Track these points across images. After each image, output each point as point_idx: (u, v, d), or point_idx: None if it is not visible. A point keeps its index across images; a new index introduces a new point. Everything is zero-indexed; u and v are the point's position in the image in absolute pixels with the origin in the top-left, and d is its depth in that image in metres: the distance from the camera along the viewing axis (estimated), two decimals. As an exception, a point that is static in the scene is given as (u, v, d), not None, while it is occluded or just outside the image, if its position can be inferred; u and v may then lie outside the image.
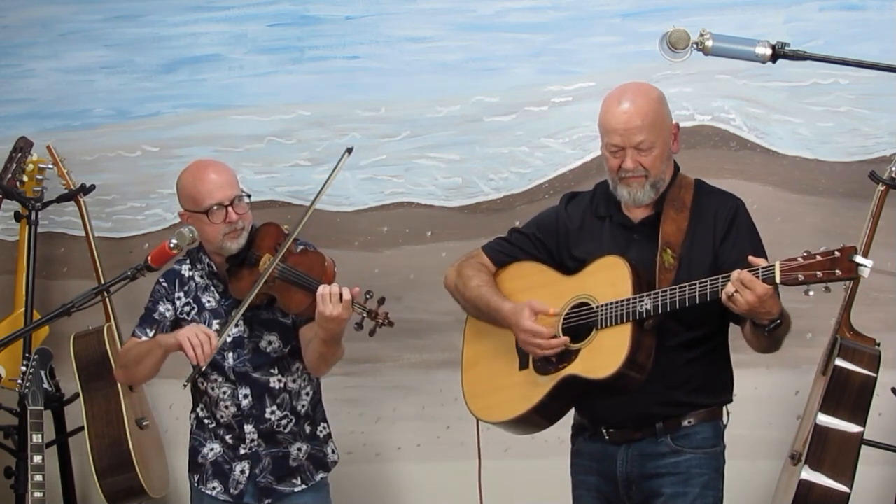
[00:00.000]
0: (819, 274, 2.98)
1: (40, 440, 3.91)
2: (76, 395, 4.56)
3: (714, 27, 3.28)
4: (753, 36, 3.29)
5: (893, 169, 4.08)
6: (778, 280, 3.02)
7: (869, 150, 4.38)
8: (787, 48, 3.24)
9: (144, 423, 4.48)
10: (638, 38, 4.48)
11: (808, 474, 3.83)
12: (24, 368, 3.98)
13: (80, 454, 4.59)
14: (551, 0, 4.62)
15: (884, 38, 4.31)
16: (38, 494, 3.85)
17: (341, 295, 3.52)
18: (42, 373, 3.98)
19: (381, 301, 3.61)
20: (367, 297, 3.60)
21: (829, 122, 4.41)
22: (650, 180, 3.32)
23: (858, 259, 2.96)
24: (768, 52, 3.24)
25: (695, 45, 3.24)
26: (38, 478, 3.87)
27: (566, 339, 3.32)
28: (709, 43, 3.24)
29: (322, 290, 3.54)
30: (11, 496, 4.51)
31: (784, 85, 4.41)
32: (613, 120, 3.32)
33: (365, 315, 3.58)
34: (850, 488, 3.82)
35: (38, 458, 3.88)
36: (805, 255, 3.01)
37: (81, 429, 4.54)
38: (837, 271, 2.97)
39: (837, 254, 2.97)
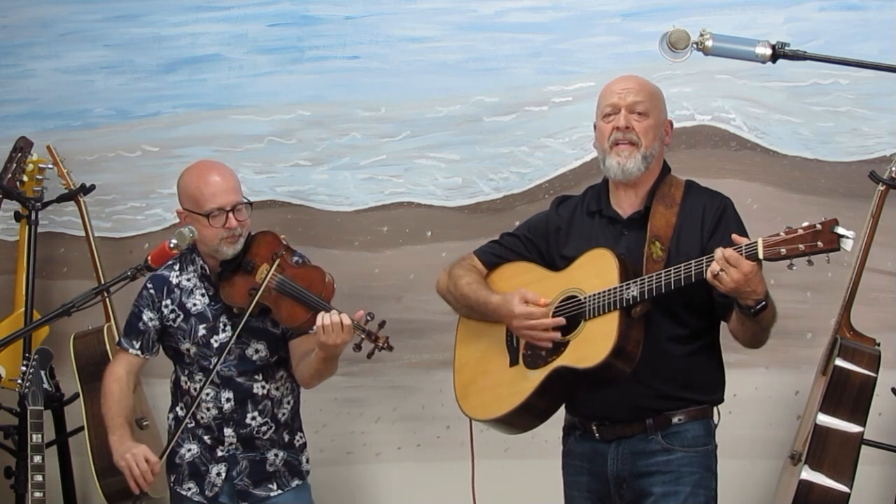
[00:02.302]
0: (801, 247, 2.98)
1: (40, 440, 3.90)
2: (76, 395, 4.56)
3: (714, 27, 3.28)
4: (753, 36, 3.29)
5: (893, 169, 4.09)
6: (761, 255, 3.03)
7: (869, 150, 4.38)
8: (787, 48, 3.24)
9: (144, 423, 4.48)
10: (638, 38, 4.48)
11: (808, 474, 3.83)
12: (24, 368, 3.98)
13: (80, 454, 4.59)
14: (551, 0, 4.62)
15: (884, 38, 4.31)
16: (38, 494, 3.85)
17: (342, 322, 3.53)
18: (42, 373, 3.98)
19: (382, 324, 3.62)
20: (368, 318, 3.60)
21: (829, 122, 4.41)
22: (640, 151, 3.35)
23: (840, 230, 2.96)
24: (768, 52, 3.24)
25: (695, 45, 3.24)
26: (38, 478, 3.87)
27: (560, 319, 3.32)
28: (709, 43, 3.24)
29: (322, 319, 3.54)
30: (11, 496, 4.51)
31: (784, 85, 4.41)
32: (612, 86, 3.43)
33: (364, 337, 3.59)
34: (850, 488, 3.82)
35: (38, 458, 3.88)
36: (787, 229, 3.02)
37: (81, 429, 4.54)
38: (819, 243, 2.97)
39: (819, 226, 2.98)
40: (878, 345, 4.00)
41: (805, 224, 3.00)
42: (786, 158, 4.44)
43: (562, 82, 4.60)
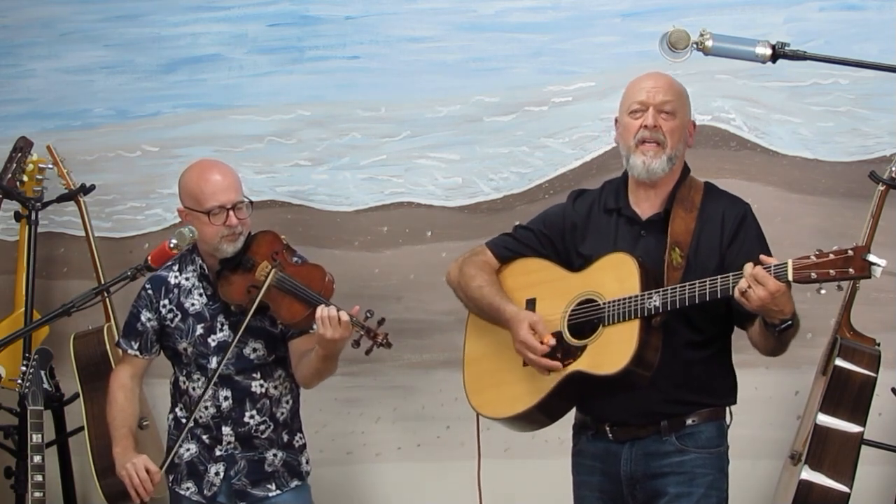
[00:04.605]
0: (832, 272, 2.97)
1: (40, 440, 3.91)
2: (76, 395, 4.56)
3: (714, 27, 3.28)
4: (753, 36, 3.29)
5: (893, 169, 4.09)
6: (790, 278, 3.01)
7: (869, 150, 4.37)
8: (787, 48, 3.24)
9: (144, 423, 4.48)
10: (638, 38, 4.48)
11: (808, 474, 3.83)
12: (24, 368, 3.99)
13: (80, 454, 4.59)
14: (551, 0, 4.62)
15: (884, 38, 4.31)
16: (38, 494, 3.85)
17: (339, 317, 3.53)
18: (42, 373, 3.99)
19: (381, 322, 3.61)
20: (368, 315, 3.60)
21: (829, 122, 4.40)
22: (666, 152, 3.33)
23: (872, 258, 2.94)
24: (768, 52, 3.24)
25: (695, 45, 3.24)
26: (38, 478, 3.88)
27: (557, 363, 3.30)
28: (709, 43, 3.24)
29: (320, 312, 3.54)
30: (11, 496, 4.51)
31: (784, 85, 4.41)
32: (641, 83, 3.40)
33: (363, 334, 3.59)
34: (850, 488, 3.82)
35: (38, 458, 3.89)
36: (818, 253, 3.00)
37: (81, 429, 4.55)
38: (851, 270, 2.96)
39: (851, 252, 2.96)
40: (878, 345, 4.00)
41: (836, 248, 2.98)
42: (786, 158, 4.44)
43: (562, 82, 4.60)
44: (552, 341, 3.32)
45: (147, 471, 3.67)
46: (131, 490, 3.68)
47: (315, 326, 3.59)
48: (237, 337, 3.69)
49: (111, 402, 3.85)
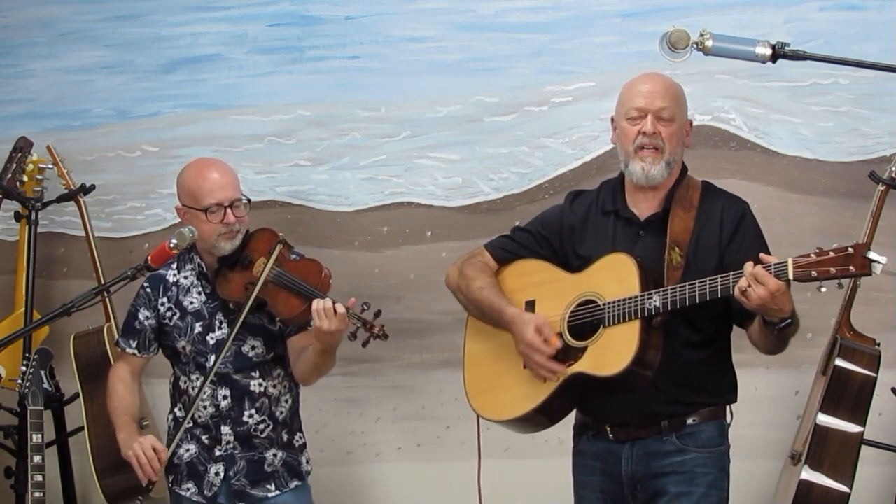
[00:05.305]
0: (833, 270, 2.97)
1: (40, 440, 3.91)
2: (76, 395, 4.56)
3: (714, 27, 3.28)
4: (753, 36, 3.29)
5: (893, 169, 4.09)
6: (791, 276, 3.01)
7: (869, 150, 4.37)
8: (787, 48, 3.24)
9: (144, 423, 4.47)
10: (638, 38, 4.48)
11: (808, 474, 3.83)
12: (24, 368, 3.99)
13: (80, 454, 4.59)
14: (551, 0, 4.62)
15: (884, 38, 4.31)
16: (38, 494, 3.85)
17: (335, 309, 3.53)
18: (42, 373, 3.99)
19: (378, 313, 3.60)
20: (364, 307, 3.59)
21: (829, 122, 4.40)
22: (665, 157, 3.33)
23: (872, 255, 2.94)
24: (768, 52, 3.24)
25: (695, 45, 3.24)
26: (38, 478, 3.88)
27: (563, 368, 3.29)
28: (709, 43, 3.24)
29: (316, 304, 3.54)
30: (11, 496, 4.51)
31: (784, 85, 4.41)
32: (638, 86, 3.38)
33: (360, 326, 3.58)
34: (850, 488, 3.82)
35: (38, 458, 3.89)
36: (818, 251, 3.00)
37: (81, 429, 4.55)
38: (851, 267, 2.96)
39: (851, 250, 2.96)
40: (878, 345, 4.00)
41: (836, 246, 2.98)
42: (786, 158, 4.44)
43: (562, 82, 4.60)
44: (559, 344, 3.31)
45: (154, 449, 3.66)
46: (138, 470, 3.66)
47: (312, 321, 3.59)
48: (235, 331, 3.68)
49: (111, 394, 3.85)
